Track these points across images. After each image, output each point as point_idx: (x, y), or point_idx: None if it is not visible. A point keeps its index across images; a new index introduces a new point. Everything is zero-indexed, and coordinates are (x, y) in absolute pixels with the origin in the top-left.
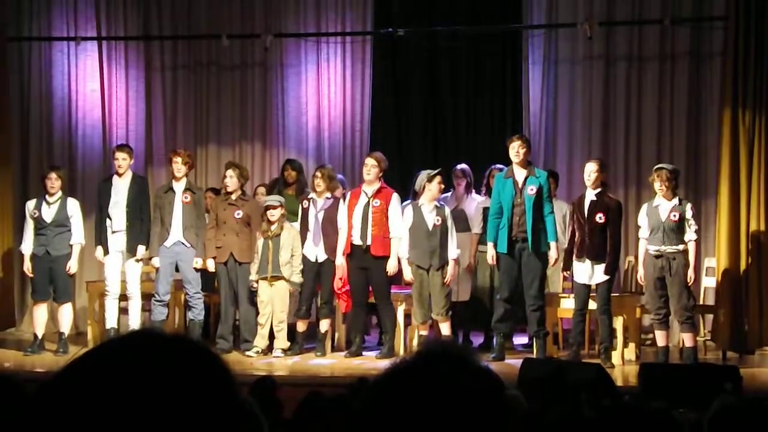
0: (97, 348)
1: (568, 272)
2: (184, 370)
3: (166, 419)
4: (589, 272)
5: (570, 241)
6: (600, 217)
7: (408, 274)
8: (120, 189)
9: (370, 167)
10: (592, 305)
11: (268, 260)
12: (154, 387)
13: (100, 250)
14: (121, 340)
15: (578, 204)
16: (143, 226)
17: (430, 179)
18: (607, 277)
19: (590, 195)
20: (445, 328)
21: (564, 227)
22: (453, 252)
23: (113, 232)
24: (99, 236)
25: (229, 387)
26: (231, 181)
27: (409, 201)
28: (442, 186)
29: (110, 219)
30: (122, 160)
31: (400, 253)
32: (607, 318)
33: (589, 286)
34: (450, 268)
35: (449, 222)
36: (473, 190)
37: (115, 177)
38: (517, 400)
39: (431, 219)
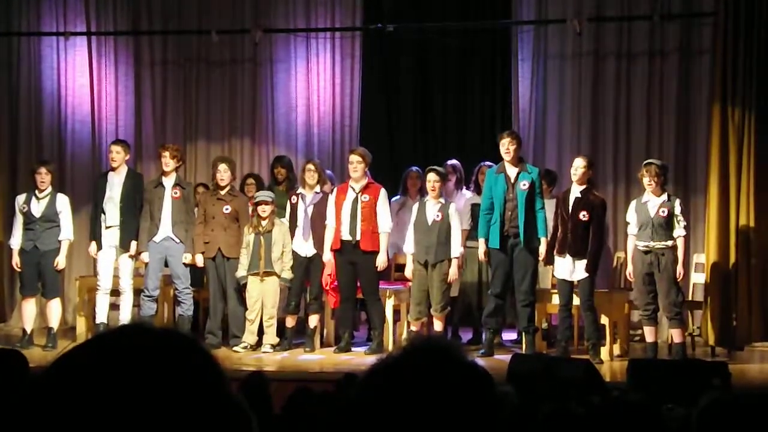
0: (87, 342)
1: (551, 266)
2: (174, 364)
3: (156, 413)
4: (570, 268)
5: (552, 236)
6: (584, 215)
7: (409, 270)
8: (114, 184)
9: (356, 164)
10: (577, 301)
11: (259, 256)
12: (145, 381)
13: (93, 245)
14: (111, 334)
15: (563, 199)
16: (136, 221)
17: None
18: (587, 274)
19: (575, 191)
20: (438, 325)
21: None
22: (455, 249)
23: (107, 227)
24: (93, 231)
25: (219, 381)
26: (226, 175)
27: (398, 196)
28: (435, 183)
29: (104, 214)
30: (116, 153)
31: (404, 248)
32: (591, 314)
33: (572, 282)
34: (453, 266)
35: (453, 219)
36: (463, 186)
37: (111, 172)
38: (509, 396)
39: (432, 215)
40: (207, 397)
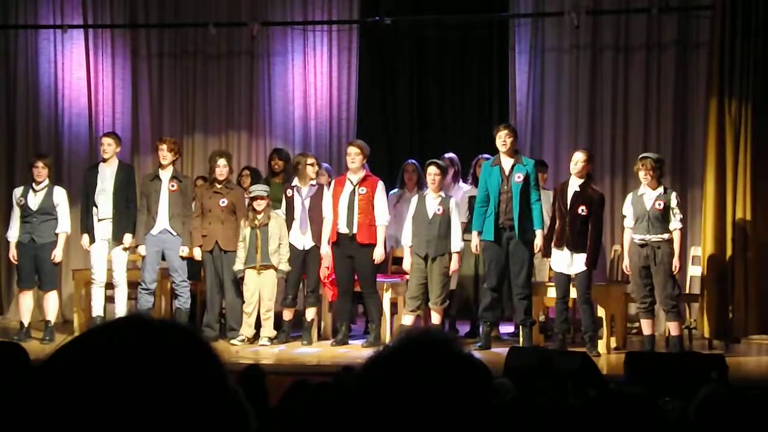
0: (84, 335)
1: (548, 258)
2: (173, 356)
3: (155, 405)
4: (568, 261)
5: (550, 228)
6: (582, 210)
7: (407, 263)
8: (106, 176)
9: (354, 155)
10: (575, 293)
11: (256, 249)
12: (143, 373)
13: (86, 238)
14: (108, 327)
15: (561, 192)
16: (129, 214)
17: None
18: (586, 268)
19: (574, 185)
20: (436, 318)
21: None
22: (455, 244)
23: (99, 219)
24: (85, 224)
25: (218, 373)
26: (225, 170)
27: (396, 190)
28: (435, 176)
29: (96, 207)
30: (107, 145)
31: (402, 241)
32: (588, 307)
33: (569, 275)
34: (454, 260)
35: (453, 213)
36: (460, 179)
37: (102, 164)
38: (506, 389)
39: (432, 208)
40: (206, 389)
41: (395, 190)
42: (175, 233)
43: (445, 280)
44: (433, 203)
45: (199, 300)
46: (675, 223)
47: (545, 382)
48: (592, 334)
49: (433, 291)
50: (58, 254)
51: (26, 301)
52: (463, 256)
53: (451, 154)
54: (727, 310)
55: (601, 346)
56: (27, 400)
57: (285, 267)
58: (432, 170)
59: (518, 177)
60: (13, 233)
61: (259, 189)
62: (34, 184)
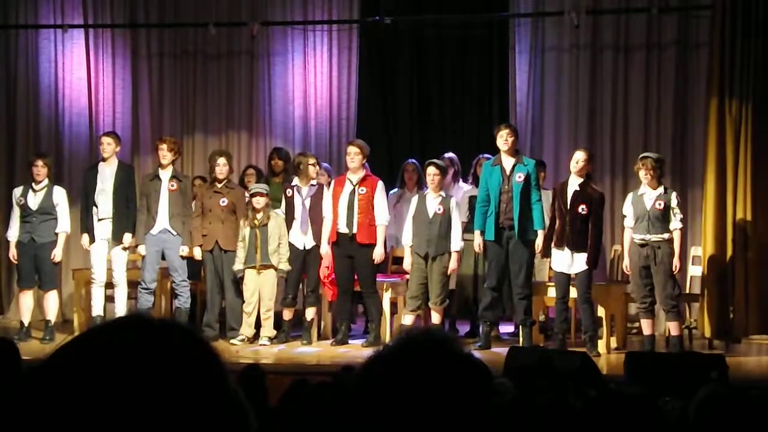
0: (85, 333)
1: (548, 258)
2: (173, 355)
3: (155, 405)
4: (568, 261)
5: (550, 228)
6: (582, 209)
7: (407, 263)
8: (106, 176)
9: (353, 155)
10: (575, 293)
11: (256, 249)
12: (144, 371)
13: (85, 237)
14: (109, 326)
15: (560, 191)
16: (129, 213)
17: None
18: (586, 267)
19: (574, 184)
20: (436, 318)
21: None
22: (455, 243)
23: (99, 219)
24: (85, 224)
25: (219, 373)
26: (225, 169)
27: (396, 189)
28: (435, 176)
29: (96, 206)
30: (107, 144)
31: (403, 240)
32: (588, 307)
33: (569, 274)
34: (453, 259)
35: (453, 213)
36: (460, 179)
37: (101, 164)
38: (506, 388)
39: (433, 208)
40: (206, 389)
41: (395, 189)
42: (175, 233)
43: (445, 279)
44: (433, 203)
45: (199, 300)
46: (675, 223)
47: (545, 382)
48: (592, 334)
49: (433, 291)
50: (57, 254)
51: (26, 300)
52: (462, 255)
53: (450, 154)
54: (728, 310)
55: (601, 346)
56: (26, 399)
57: (285, 266)
58: (431, 170)
59: (519, 177)
60: (13, 233)
61: (259, 187)
62: (33, 184)
